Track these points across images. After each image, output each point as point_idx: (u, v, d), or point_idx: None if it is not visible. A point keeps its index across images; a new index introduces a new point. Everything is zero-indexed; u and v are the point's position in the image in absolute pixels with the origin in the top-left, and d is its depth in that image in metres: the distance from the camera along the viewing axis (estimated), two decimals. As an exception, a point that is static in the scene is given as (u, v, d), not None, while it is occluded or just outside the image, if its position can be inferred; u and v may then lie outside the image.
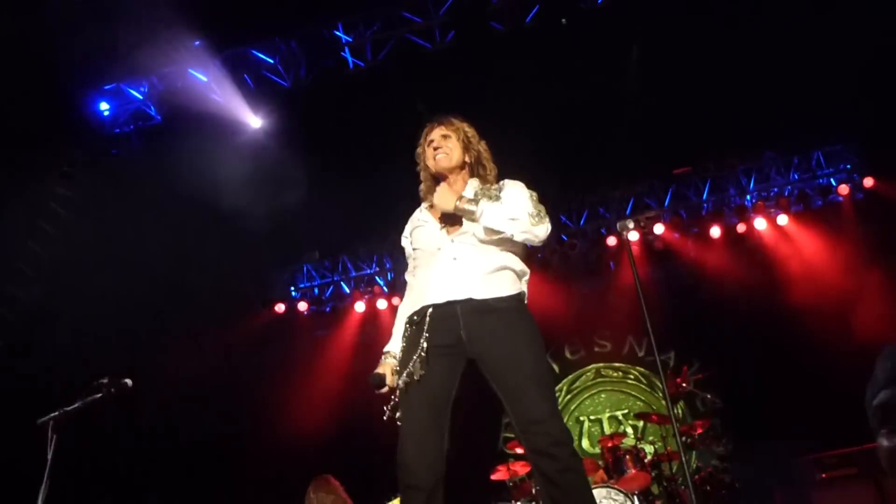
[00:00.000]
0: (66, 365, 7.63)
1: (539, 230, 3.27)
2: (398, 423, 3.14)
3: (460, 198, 3.28)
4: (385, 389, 3.29)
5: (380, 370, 3.32)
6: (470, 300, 3.16)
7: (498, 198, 3.30)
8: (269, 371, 10.22)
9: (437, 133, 3.49)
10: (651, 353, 10.21)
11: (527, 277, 3.38)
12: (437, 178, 3.48)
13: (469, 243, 3.27)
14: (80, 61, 7.20)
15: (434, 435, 3.09)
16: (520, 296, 3.29)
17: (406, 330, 3.30)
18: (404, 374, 3.14)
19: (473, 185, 3.45)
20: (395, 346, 3.38)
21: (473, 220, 3.25)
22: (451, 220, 3.34)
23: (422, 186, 3.56)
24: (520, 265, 3.34)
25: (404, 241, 3.58)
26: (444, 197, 3.31)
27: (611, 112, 8.85)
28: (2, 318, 7.98)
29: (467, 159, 3.49)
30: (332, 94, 8.22)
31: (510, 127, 7.78)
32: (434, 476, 3.04)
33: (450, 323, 3.16)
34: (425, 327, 3.17)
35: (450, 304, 3.17)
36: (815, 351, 8.87)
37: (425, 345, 3.13)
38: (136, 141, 8.52)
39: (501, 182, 3.47)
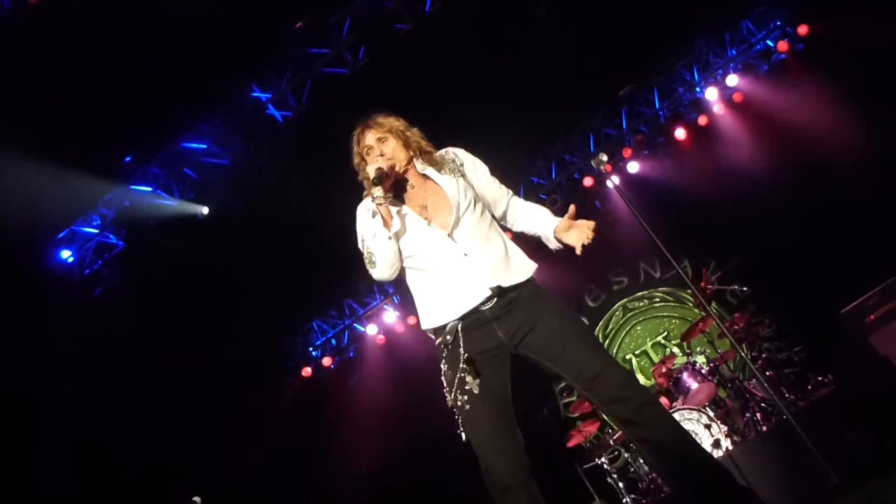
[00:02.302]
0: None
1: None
2: (469, 438, 3.08)
3: None
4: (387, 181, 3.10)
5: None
6: (494, 298, 3.09)
7: (464, 173, 3.27)
8: (322, 433, 10.21)
9: (370, 138, 3.27)
10: (667, 271, 10.29)
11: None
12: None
13: (467, 232, 3.16)
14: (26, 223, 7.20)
15: (508, 433, 3.06)
16: (537, 286, 3.21)
17: (440, 347, 3.19)
18: (458, 393, 3.06)
19: (425, 167, 3.31)
20: None
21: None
22: (430, 211, 3.21)
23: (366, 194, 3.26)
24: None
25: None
26: None
27: (540, 63, 8.86)
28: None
29: (410, 153, 3.30)
30: (273, 153, 8.20)
31: (456, 113, 7.83)
32: (522, 471, 3.02)
33: (485, 329, 3.10)
34: (461, 342, 3.09)
35: (476, 311, 3.10)
36: (819, 206, 8.92)
37: (467, 356, 3.07)
38: (108, 273, 8.47)
39: (445, 151, 3.36)
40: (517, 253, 3.26)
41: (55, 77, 6.22)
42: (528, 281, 3.17)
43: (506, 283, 3.11)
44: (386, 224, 3.09)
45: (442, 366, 3.17)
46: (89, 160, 7.05)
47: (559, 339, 3.07)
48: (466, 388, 3.04)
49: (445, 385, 3.13)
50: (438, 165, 3.29)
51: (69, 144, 6.56)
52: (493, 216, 3.39)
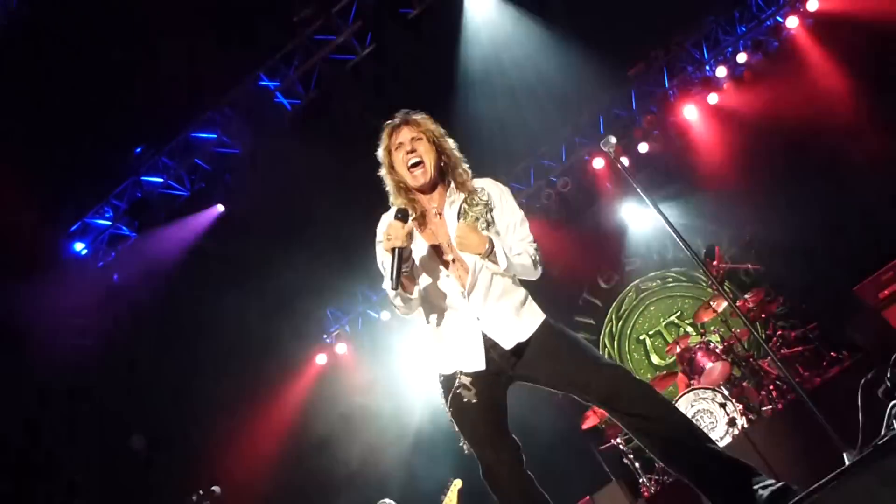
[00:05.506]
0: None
1: (539, 270, 3.25)
2: (465, 440, 3.13)
3: (491, 244, 3.05)
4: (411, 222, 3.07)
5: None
6: (503, 352, 3.09)
7: (491, 220, 3.19)
8: (336, 420, 10.28)
9: (405, 135, 3.21)
10: (678, 252, 10.24)
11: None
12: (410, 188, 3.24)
13: (482, 294, 3.12)
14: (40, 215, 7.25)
15: (501, 433, 3.10)
16: (545, 321, 3.16)
17: (440, 378, 3.20)
18: (451, 403, 3.11)
19: (455, 199, 3.22)
20: None
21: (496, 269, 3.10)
22: (448, 252, 3.17)
23: (395, 199, 3.24)
24: (525, 290, 3.25)
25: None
26: (471, 241, 3.06)
27: (549, 44, 8.81)
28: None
29: (441, 163, 3.22)
30: (283, 142, 8.20)
31: (464, 97, 7.80)
32: (517, 468, 3.07)
33: (486, 368, 3.10)
34: (459, 372, 3.12)
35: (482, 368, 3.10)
36: (830, 182, 8.85)
37: (463, 378, 3.10)
38: (121, 263, 8.52)
39: (481, 188, 3.26)
40: (529, 305, 3.20)
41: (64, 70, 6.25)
42: (538, 329, 3.13)
43: (513, 342, 3.07)
44: (407, 290, 3.08)
45: (439, 381, 3.20)
46: (100, 152, 7.09)
47: (562, 374, 3.09)
48: (464, 400, 3.07)
49: (442, 398, 3.17)
50: (468, 201, 3.20)
51: (80, 137, 6.60)
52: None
